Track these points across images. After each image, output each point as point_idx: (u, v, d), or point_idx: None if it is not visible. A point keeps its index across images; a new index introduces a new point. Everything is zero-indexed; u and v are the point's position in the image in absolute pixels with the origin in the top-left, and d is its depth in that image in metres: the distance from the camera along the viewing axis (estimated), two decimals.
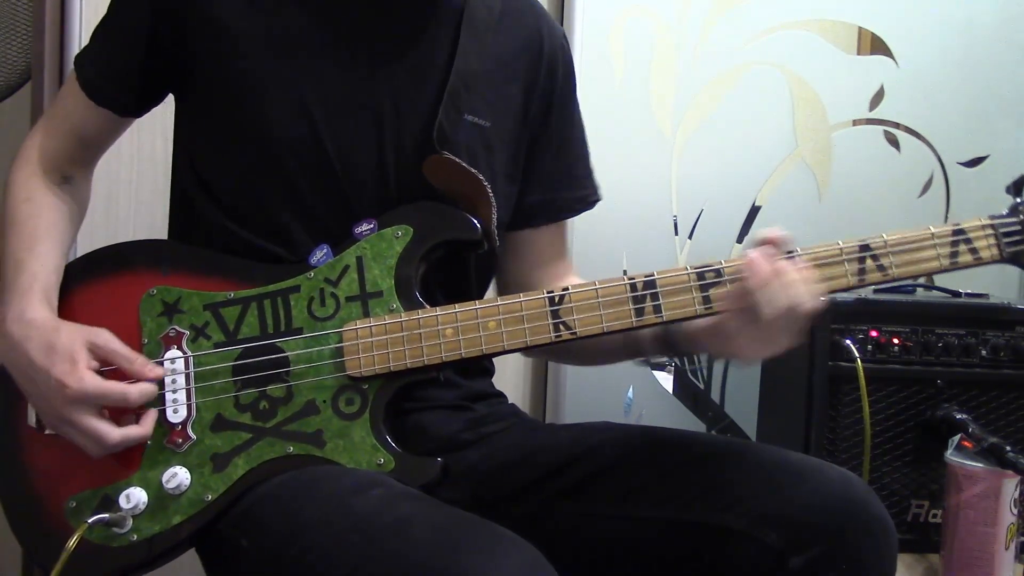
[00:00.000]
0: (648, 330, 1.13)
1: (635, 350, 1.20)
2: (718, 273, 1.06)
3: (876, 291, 1.68)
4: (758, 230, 1.05)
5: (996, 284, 1.96)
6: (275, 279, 1.11)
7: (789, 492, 1.04)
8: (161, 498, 1.07)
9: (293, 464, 1.06)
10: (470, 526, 0.92)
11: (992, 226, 1.08)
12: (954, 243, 1.07)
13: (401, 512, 0.94)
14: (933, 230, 1.07)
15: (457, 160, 1.12)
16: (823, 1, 1.98)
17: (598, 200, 1.34)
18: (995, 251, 1.08)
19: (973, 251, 1.07)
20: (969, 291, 1.74)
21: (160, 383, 1.09)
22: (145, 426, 1.07)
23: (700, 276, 1.06)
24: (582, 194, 1.32)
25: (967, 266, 1.08)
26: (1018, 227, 1.08)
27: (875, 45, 2.00)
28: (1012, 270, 2.01)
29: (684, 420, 1.98)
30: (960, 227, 1.08)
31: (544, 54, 1.26)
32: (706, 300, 1.05)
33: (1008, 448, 1.46)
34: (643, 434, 1.18)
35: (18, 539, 1.13)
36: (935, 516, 1.62)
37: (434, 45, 1.17)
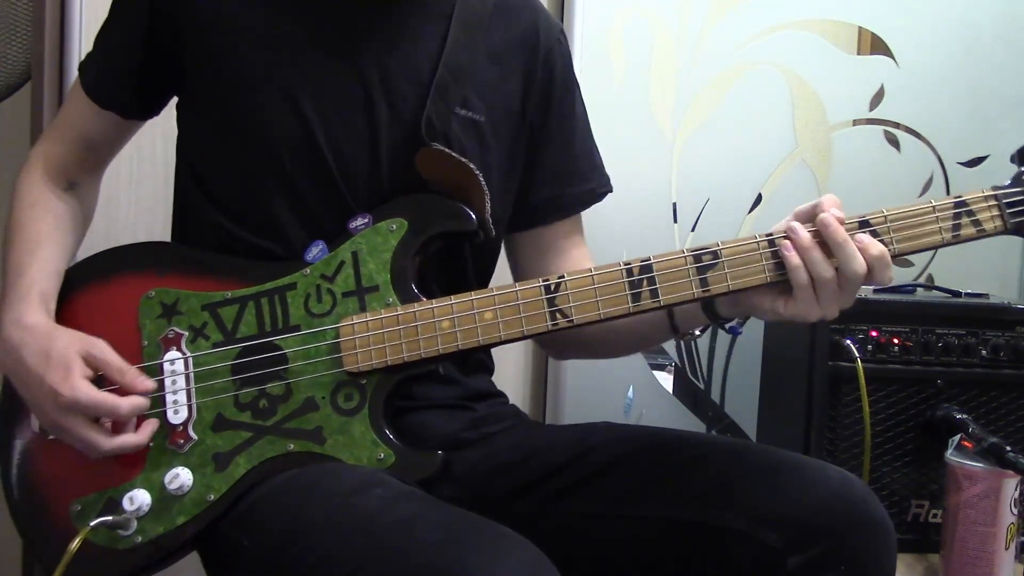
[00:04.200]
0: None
1: (660, 332, 1.20)
2: (715, 255, 1.05)
3: (876, 291, 1.68)
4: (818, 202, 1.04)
5: (996, 284, 1.96)
6: (272, 277, 1.11)
7: (789, 492, 1.04)
8: (164, 499, 1.07)
9: (294, 462, 1.06)
10: (472, 525, 0.92)
11: (995, 196, 1.05)
12: (956, 215, 1.04)
13: (403, 511, 0.94)
14: (934, 203, 1.04)
15: (446, 151, 1.12)
16: (823, 1, 1.97)
17: (608, 192, 1.34)
18: (999, 222, 1.05)
19: (976, 223, 1.04)
20: (969, 291, 1.74)
21: (160, 385, 1.09)
22: (142, 435, 1.07)
23: (697, 259, 1.05)
24: (590, 187, 1.32)
25: (970, 239, 1.05)
26: (1022, 197, 1.05)
27: (875, 45, 2.00)
28: (1012, 269, 2.02)
29: (684, 420, 1.98)
30: (962, 199, 1.05)
31: (541, 48, 1.26)
32: (703, 283, 1.04)
33: (1008, 448, 1.46)
34: (643, 434, 1.18)
35: (25, 541, 1.13)
36: (935, 516, 1.62)
37: (425, 40, 1.18)
